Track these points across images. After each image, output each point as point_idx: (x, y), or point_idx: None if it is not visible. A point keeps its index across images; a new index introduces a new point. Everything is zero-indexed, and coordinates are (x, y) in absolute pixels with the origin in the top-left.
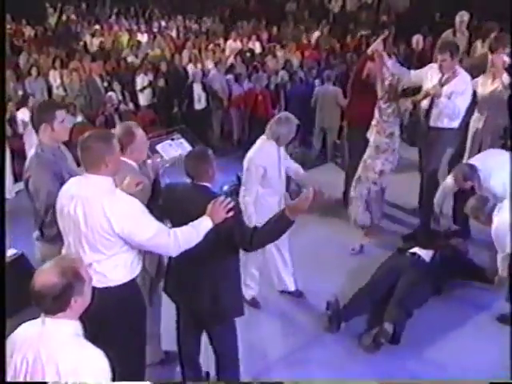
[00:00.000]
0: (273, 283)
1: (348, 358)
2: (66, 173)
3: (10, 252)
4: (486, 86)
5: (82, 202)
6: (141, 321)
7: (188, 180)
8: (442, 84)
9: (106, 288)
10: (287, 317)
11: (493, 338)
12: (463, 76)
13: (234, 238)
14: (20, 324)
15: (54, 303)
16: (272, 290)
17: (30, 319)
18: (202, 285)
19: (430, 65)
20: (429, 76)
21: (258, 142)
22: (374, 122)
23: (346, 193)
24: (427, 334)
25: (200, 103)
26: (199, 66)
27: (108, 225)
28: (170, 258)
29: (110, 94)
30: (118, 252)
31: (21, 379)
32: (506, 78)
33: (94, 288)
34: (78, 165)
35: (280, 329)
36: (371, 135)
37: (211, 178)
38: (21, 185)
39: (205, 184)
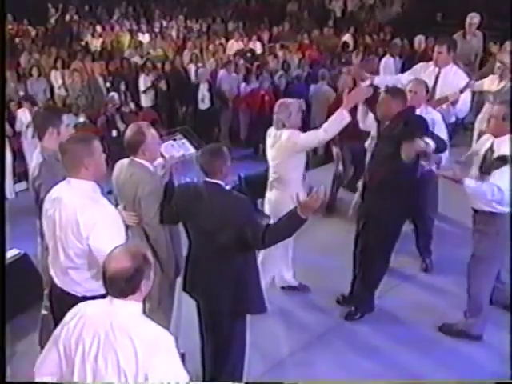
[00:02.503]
0: (272, 280)
1: (349, 357)
2: None
3: (13, 252)
4: (493, 85)
5: (59, 205)
6: None
7: (199, 178)
8: (461, 91)
9: (84, 297)
10: (289, 314)
11: (493, 337)
12: (463, 81)
13: (247, 236)
14: (24, 322)
15: (126, 286)
16: (272, 287)
17: (34, 317)
18: (221, 282)
19: (418, 66)
20: (422, 76)
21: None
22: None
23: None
24: (427, 333)
25: (204, 103)
26: (200, 65)
27: (77, 229)
28: (187, 257)
29: (111, 94)
30: (88, 262)
31: (92, 355)
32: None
33: (72, 296)
34: None
35: (282, 327)
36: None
37: (224, 175)
38: (22, 185)
39: (217, 182)
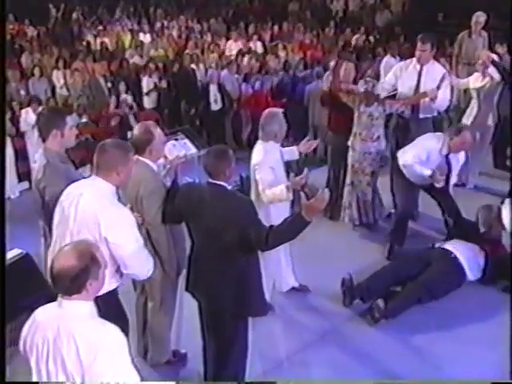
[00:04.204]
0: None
1: (349, 357)
2: (76, 178)
3: (15, 252)
4: (477, 82)
5: (77, 199)
6: None
7: (201, 178)
8: (438, 87)
9: None
10: (288, 315)
11: (493, 337)
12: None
13: (250, 237)
14: (25, 322)
15: (71, 285)
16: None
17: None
18: (224, 284)
19: (398, 66)
20: (403, 75)
21: (259, 146)
22: (357, 130)
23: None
24: (427, 334)
25: (216, 104)
26: (201, 66)
27: (95, 227)
28: (190, 257)
29: (124, 96)
30: None
31: (43, 359)
32: (492, 70)
33: None
34: (76, 167)
35: (282, 328)
36: (355, 143)
37: (228, 177)
38: (24, 184)
39: (221, 183)
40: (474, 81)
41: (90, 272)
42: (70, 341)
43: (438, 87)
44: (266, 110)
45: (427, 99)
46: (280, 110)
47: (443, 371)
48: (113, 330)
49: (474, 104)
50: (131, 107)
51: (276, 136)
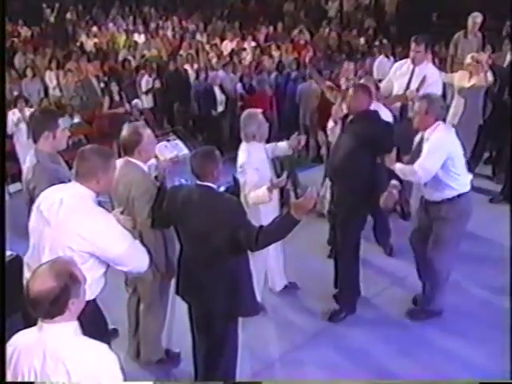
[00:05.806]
0: (265, 284)
1: (342, 357)
2: (67, 179)
3: (6, 253)
4: (464, 81)
5: (57, 204)
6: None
7: (193, 179)
8: (417, 89)
9: None
10: (280, 314)
11: (493, 337)
12: (435, 78)
13: (240, 238)
14: (14, 327)
15: (52, 308)
16: (265, 289)
17: (22, 322)
18: (214, 285)
19: (394, 67)
20: (397, 74)
21: (243, 148)
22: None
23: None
24: (425, 333)
25: (221, 105)
26: (195, 66)
27: (76, 233)
28: (179, 260)
29: (136, 100)
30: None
31: None
32: (489, 75)
33: None
34: (70, 168)
35: (273, 328)
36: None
37: (216, 178)
38: (16, 186)
39: (209, 184)
40: (460, 79)
41: (70, 291)
42: (59, 366)
43: (418, 89)
44: (246, 111)
45: (409, 100)
46: (259, 111)
47: (441, 371)
48: (100, 348)
49: (459, 103)
50: (141, 112)
51: (255, 137)
